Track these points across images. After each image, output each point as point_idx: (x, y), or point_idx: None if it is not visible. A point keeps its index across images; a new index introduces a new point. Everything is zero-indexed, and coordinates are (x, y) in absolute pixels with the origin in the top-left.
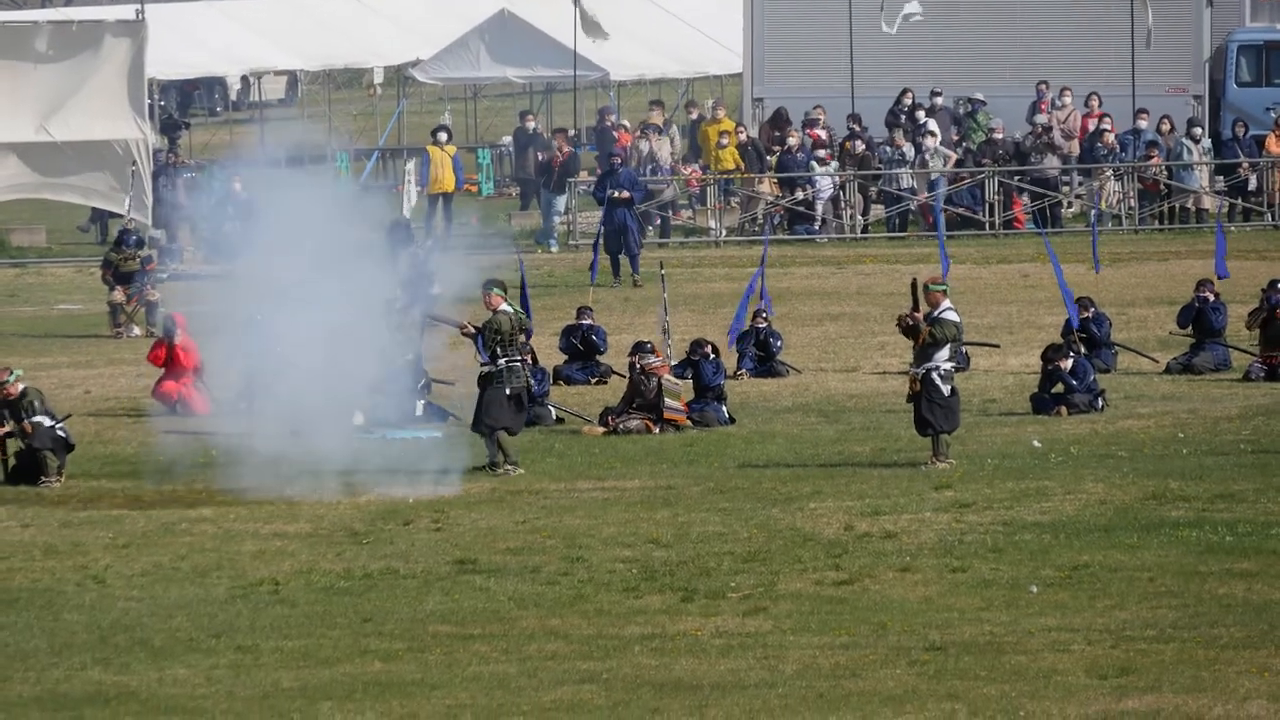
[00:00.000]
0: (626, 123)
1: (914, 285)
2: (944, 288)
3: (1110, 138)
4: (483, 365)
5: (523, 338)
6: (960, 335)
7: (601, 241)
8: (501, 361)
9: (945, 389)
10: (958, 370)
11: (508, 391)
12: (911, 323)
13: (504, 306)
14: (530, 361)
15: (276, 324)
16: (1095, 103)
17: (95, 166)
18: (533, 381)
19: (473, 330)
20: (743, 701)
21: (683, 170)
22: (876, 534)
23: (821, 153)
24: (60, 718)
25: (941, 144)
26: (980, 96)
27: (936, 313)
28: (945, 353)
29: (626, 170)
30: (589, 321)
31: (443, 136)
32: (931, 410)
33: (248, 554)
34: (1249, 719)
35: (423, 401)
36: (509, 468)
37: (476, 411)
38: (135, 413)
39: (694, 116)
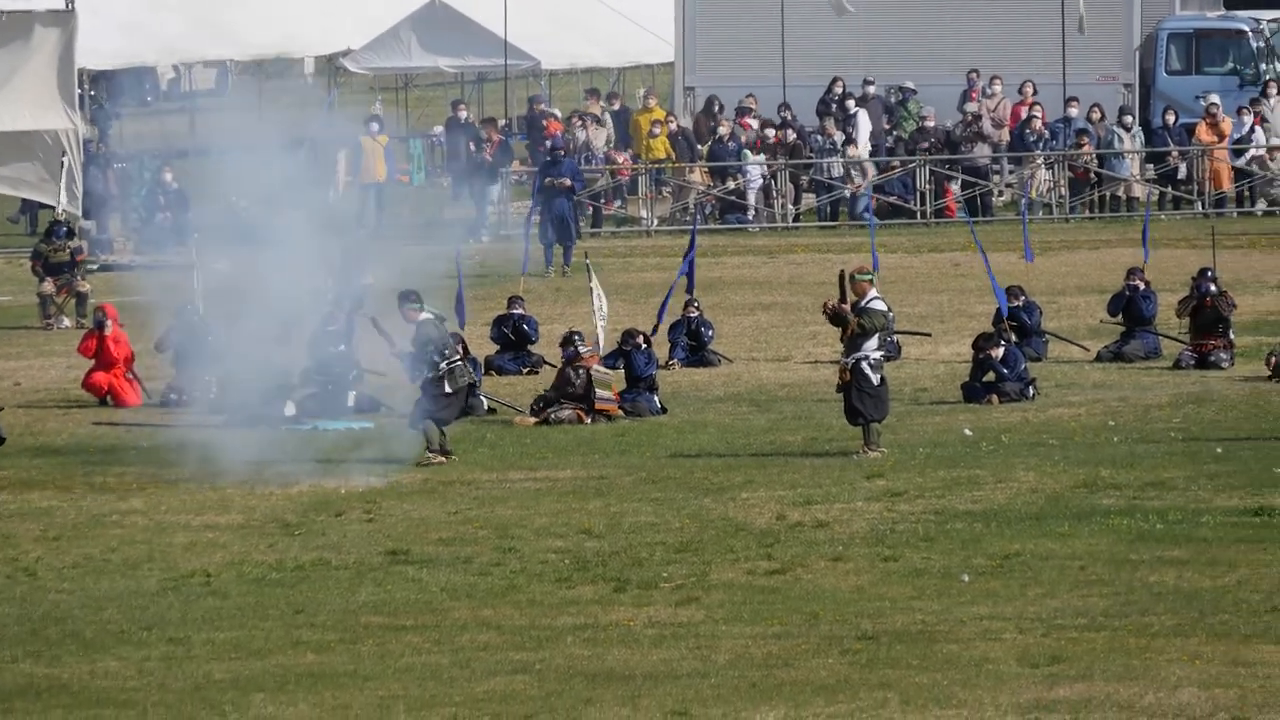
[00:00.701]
0: (557, 111)
1: (842, 276)
2: (870, 277)
3: (1038, 124)
4: (425, 375)
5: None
6: (889, 324)
7: (535, 231)
8: (443, 366)
9: (875, 378)
10: (888, 359)
11: (448, 389)
12: (838, 312)
13: (424, 316)
14: (462, 352)
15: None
16: (1030, 90)
17: (25, 157)
18: (475, 376)
19: (398, 352)
20: (675, 691)
21: (616, 159)
22: (808, 523)
23: (771, 133)
24: None
25: (873, 134)
26: (911, 85)
27: (864, 302)
28: (874, 342)
29: (569, 160)
30: (520, 311)
31: (374, 126)
32: (861, 399)
33: (179, 546)
34: (1180, 707)
35: (354, 393)
36: (430, 455)
37: (414, 408)
38: (66, 404)
39: (615, 107)
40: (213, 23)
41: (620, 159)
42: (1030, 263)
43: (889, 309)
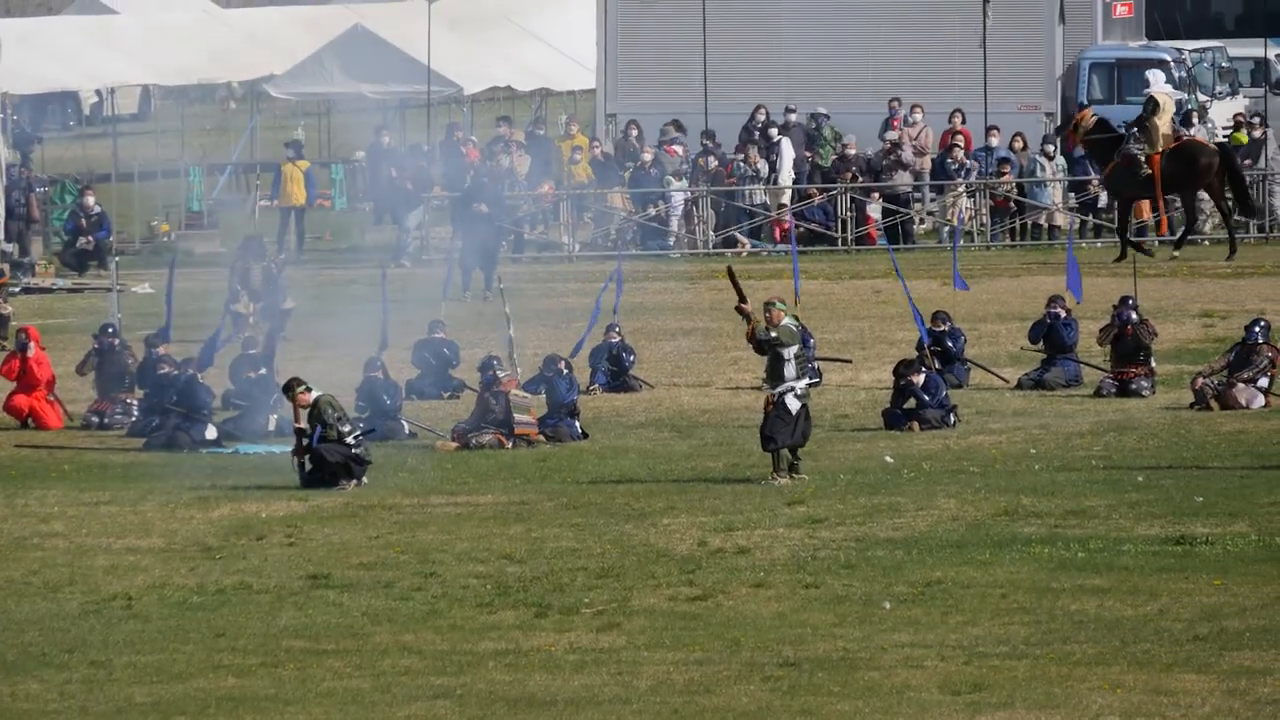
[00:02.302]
0: (474, 138)
1: (730, 273)
2: (784, 307)
3: (960, 153)
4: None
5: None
6: (798, 341)
7: (458, 256)
8: (351, 439)
9: (794, 407)
10: (811, 385)
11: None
12: (740, 311)
13: (314, 395)
14: (382, 377)
15: None
16: (959, 119)
17: None
18: (368, 456)
19: (304, 429)
20: (597, 717)
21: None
22: (730, 550)
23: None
24: None
25: (796, 161)
26: (824, 110)
27: (779, 325)
28: (794, 370)
29: (495, 187)
30: (441, 336)
31: (291, 152)
32: (773, 425)
33: (100, 569)
34: None
35: (275, 416)
36: (344, 483)
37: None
38: None
39: (540, 132)
40: (135, 47)
41: (545, 185)
42: (963, 291)
43: (809, 335)
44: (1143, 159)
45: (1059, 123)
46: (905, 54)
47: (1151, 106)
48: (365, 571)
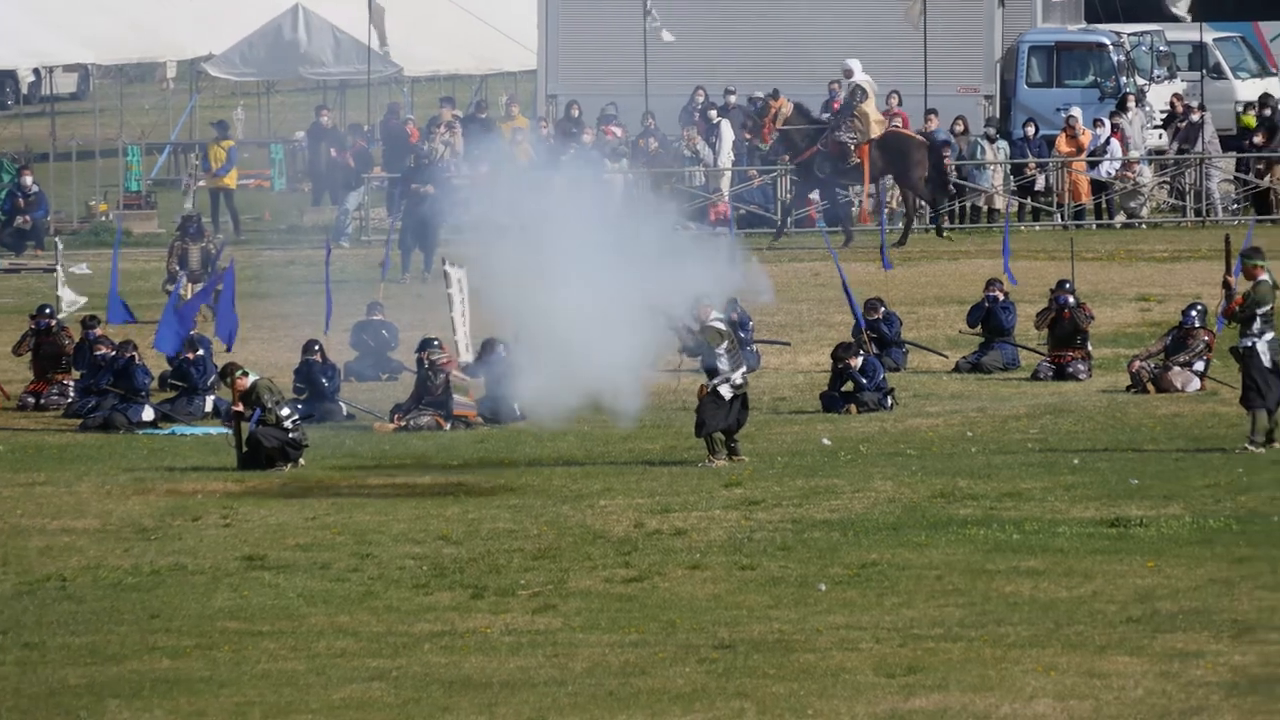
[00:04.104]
0: (413, 117)
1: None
2: (710, 302)
3: None
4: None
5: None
6: (727, 338)
7: (396, 237)
8: (289, 423)
9: (728, 394)
10: (749, 371)
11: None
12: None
13: (251, 379)
14: (320, 359)
15: None
16: (894, 101)
17: None
18: (304, 440)
19: (243, 413)
20: (532, 699)
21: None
22: (666, 531)
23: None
24: None
25: (735, 143)
26: (760, 94)
27: (705, 323)
28: (727, 363)
29: (436, 167)
30: (380, 317)
31: (214, 133)
32: (705, 410)
33: (34, 549)
34: (1036, 717)
35: (212, 398)
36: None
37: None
38: None
39: (483, 115)
40: (74, 26)
41: (484, 167)
42: (889, 271)
43: (748, 318)
44: (852, 147)
45: (756, 111)
46: (845, 36)
47: (861, 94)
48: (301, 553)
